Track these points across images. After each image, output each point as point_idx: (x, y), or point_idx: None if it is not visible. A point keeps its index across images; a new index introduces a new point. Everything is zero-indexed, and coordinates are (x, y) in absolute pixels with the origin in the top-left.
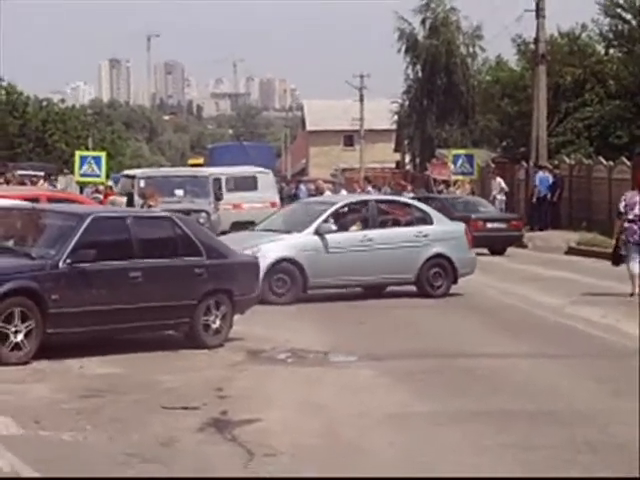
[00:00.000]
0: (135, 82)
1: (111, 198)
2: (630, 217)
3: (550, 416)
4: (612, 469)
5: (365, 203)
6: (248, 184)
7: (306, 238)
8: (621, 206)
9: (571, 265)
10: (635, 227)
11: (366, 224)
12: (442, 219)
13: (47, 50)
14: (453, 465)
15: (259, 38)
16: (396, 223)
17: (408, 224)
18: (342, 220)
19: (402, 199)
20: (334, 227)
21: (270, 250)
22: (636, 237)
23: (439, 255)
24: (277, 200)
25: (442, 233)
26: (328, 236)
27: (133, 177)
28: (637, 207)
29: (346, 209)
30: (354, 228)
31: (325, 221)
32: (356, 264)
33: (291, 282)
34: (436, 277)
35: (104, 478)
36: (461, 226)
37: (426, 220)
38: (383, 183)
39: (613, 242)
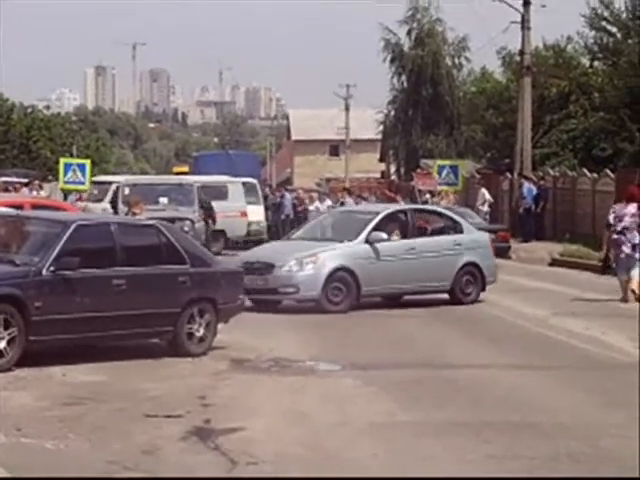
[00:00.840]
0: (120, 89)
1: (82, 204)
2: (619, 229)
3: (533, 428)
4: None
5: (405, 212)
6: (219, 193)
7: (359, 247)
8: (610, 218)
9: (555, 277)
10: (624, 239)
11: (405, 233)
12: (470, 228)
13: (32, 57)
14: (435, 476)
15: (245, 47)
16: (432, 232)
17: (442, 233)
18: (384, 229)
19: (436, 208)
20: (385, 236)
21: (328, 259)
22: (626, 249)
23: (470, 263)
24: (247, 210)
25: (472, 242)
26: (378, 245)
27: (101, 184)
28: (626, 218)
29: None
30: (395, 237)
31: (373, 230)
32: (402, 272)
33: (347, 291)
34: (467, 285)
35: (83, 479)
36: (486, 235)
37: (457, 229)
38: (369, 193)
39: (603, 252)
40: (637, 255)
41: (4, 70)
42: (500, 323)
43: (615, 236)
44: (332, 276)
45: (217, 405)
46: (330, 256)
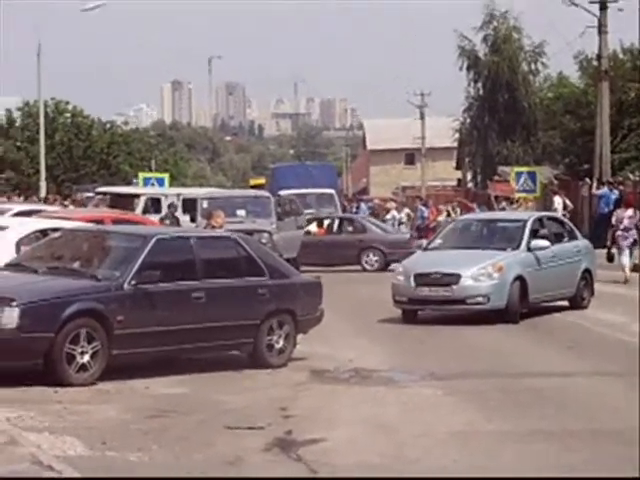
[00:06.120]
0: (197, 103)
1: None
2: (621, 227)
3: (615, 436)
4: None
5: (540, 220)
6: None
7: (524, 255)
8: (613, 220)
9: (634, 282)
10: (627, 234)
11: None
12: (579, 235)
13: (110, 73)
14: None
15: (319, 58)
16: (560, 238)
17: (562, 239)
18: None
19: (557, 216)
20: (547, 244)
21: (508, 267)
22: (627, 242)
23: (586, 269)
24: None
25: (585, 248)
26: (538, 253)
27: (104, 194)
28: (625, 220)
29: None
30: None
31: (530, 238)
32: (550, 280)
33: (522, 300)
34: (584, 290)
35: None
36: (588, 241)
37: (575, 236)
38: (445, 202)
39: (608, 245)
40: (637, 248)
41: (83, 86)
42: (578, 330)
43: (619, 233)
44: (513, 285)
45: (298, 416)
46: (508, 265)
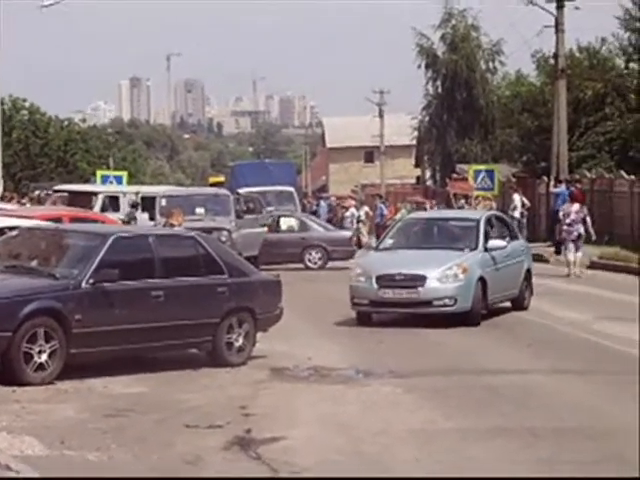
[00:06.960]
0: (155, 101)
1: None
2: (568, 222)
3: (577, 432)
4: None
5: (490, 219)
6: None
7: (482, 255)
8: (561, 214)
9: (594, 280)
10: (571, 229)
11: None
12: (520, 235)
13: (67, 70)
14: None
15: (278, 56)
16: (504, 238)
17: (508, 239)
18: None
19: (501, 215)
20: (504, 243)
21: (471, 268)
22: (572, 236)
23: (528, 269)
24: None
25: (526, 248)
26: (494, 253)
27: (58, 192)
28: (572, 215)
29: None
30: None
31: (485, 237)
32: (503, 280)
33: (483, 300)
34: (525, 290)
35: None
36: (525, 241)
37: (516, 236)
38: (403, 199)
39: (557, 240)
40: (582, 242)
41: (40, 83)
42: (539, 328)
43: (565, 227)
44: (477, 286)
45: (258, 415)
46: (472, 265)
